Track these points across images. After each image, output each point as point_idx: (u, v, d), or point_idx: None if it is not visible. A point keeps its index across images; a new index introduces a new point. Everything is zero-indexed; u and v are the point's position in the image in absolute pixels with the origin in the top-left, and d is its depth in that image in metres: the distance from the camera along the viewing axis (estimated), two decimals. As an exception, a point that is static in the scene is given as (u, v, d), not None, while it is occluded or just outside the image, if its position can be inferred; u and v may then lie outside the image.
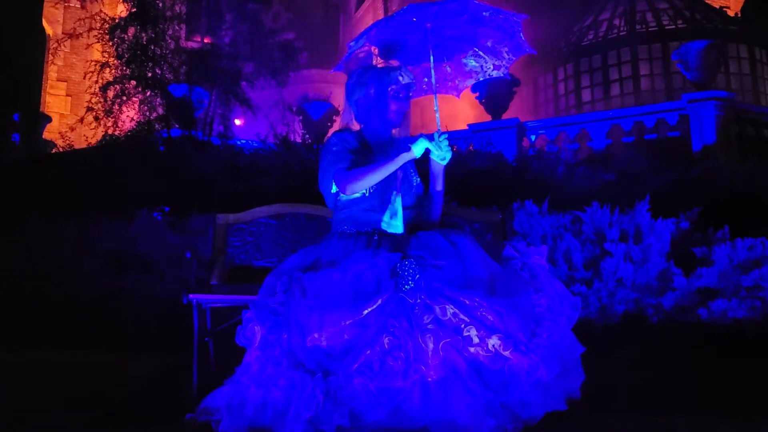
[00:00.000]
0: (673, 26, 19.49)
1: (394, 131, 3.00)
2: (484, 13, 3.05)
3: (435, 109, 2.96)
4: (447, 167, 2.96)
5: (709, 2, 21.49)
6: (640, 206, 6.05)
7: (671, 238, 5.90)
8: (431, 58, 2.99)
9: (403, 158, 2.79)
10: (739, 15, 20.56)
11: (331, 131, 14.34)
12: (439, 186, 2.99)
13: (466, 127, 13.86)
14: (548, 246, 5.98)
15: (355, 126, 3.07)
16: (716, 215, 6.20)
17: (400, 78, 2.93)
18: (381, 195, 2.89)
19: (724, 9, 20.89)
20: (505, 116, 13.94)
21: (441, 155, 2.85)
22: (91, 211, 7.11)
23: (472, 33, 3.16)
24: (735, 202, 6.81)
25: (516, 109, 15.05)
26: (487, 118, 14.05)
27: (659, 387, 3.82)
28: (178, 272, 5.99)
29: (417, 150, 2.80)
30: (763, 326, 5.30)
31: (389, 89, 2.92)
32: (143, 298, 5.89)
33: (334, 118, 14.74)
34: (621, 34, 19.89)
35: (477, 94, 14.19)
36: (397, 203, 2.89)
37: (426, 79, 3.27)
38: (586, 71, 20.10)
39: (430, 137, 2.84)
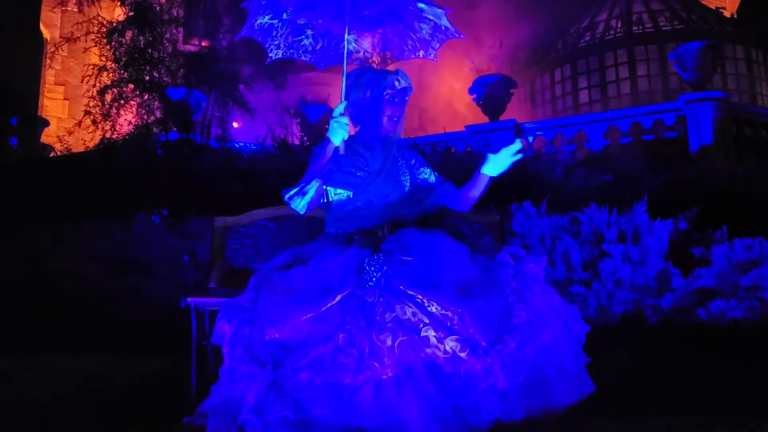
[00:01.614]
0: (670, 27, 19.52)
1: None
2: (410, 7, 3.05)
3: (343, 79, 2.91)
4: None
5: (705, 3, 21.53)
6: (638, 207, 6.05)
7: (669, 239, 5.91)
8: (346, 33, 2.95)
9: (330, 149, 2.80)
10: (735, 16, 20.60)
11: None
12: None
13: (464, 129, 13.87)
14: (547, 247, 5.99)
15: (351, 128, 3.06)
16: (714, 216, 6.20)
17: (396, 83, 2.94)
18: (364, 195, 2.90)
19: (720, 10, 20.97)
20: (502, 118, 13.94)
21: (334, 134, 2.79)
22: (89, 215, 7.10)
23: (393, 15, 3.12)
24: (733, 203, 6.81)
25: (513, 111, 15.06)
26: (485, 119, 14.06)
27: (659, 388, 3.82)
28: (177, 275, 5.98)
29: (334, 137, 2.78)
30: (761, 326, 5.30)
31: (385, 93, 2.92)
32: (142, 300, 5.89)
33: (331, 120, 14.71)
34: (618, 35, 19.92)
35: (474, 96, 14.20)
36: (312, 186, 2.84)
37: (320, 45, 3.23)
38: (583, 73, 20.13)
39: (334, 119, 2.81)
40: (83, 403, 3.54)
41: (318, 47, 3.20)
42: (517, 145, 2.79)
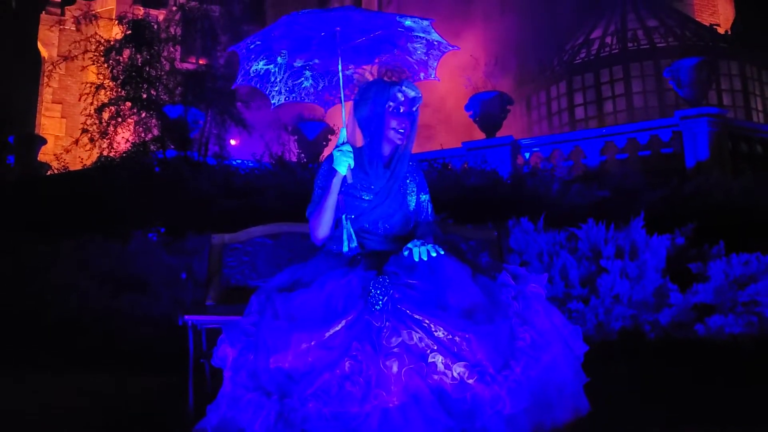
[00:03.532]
0: (665, 44, 19.66)
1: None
2: (399, 29, 2.98)
3: (342, 117, 2.86)
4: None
5: (699, 20, 21.71)
6: (635, 222, 6.07)
7: (667, 254, 5.91)
8: (339, 63, 2.91)
9: (336, 181, 2.79)
10: (729, 32, 20.75)
11: (325, 151, 14.41)
12: None
13: (461, 145, 13.92)
14: (545, 263, 5.99)
15: (360, 143, 3.02)
16: (711, 231, 6.21)
17: (399, 94, 2.84)
18: (368, 217, 2.87)
19: (715, 26, 21.11)
20: (499, 134, 14.00)
21: (339, 165, 2.78)
22: (86, 233, 7.10)
23: (380, 47, 3.08)
24: (729, 218, 6.83)
25: (510, 127, 15.14)
26: (482, 135, 14.12)
27: (658, 404, 3.82)
28: (174, 292, 5.97)
29: (339, 167, 2.77)
30: (760, 341, 5.30)
31: (387, 105, 2.85)
32: (139, 318, 5.87)
33: (329, 137, 14.80)
34: (613, 52, 20.06)
35: (470, 112, 14.26)
36: (348, 226, 2.82)
37: (321, 85, 3.20)
38: (579, 89, 20.25)
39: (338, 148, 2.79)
40: (78, 420, 3.52)
41: (320, 88, 3.17)
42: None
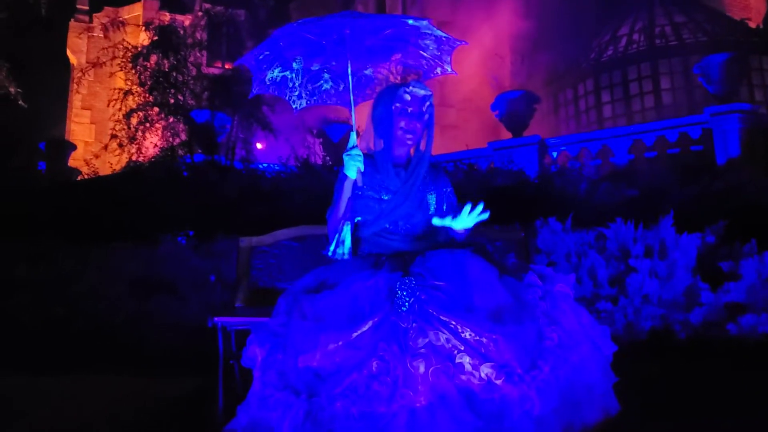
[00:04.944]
0: (693, 40, 19.41)
1: (412, 150, 2.98)
2: (406, 27, 3.01)
3: (351, 120, 2.90)
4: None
5: (729, 15, 21.38)
6: (665, 221, 6.00)
7: (697, 253, 5.84)
8: (349, 67, 2.93)
9: (347, 185, 2.83)
10: (761, 26, 20.41)
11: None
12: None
13: (486, 146, 13.86)
14: (573, 263, 5.95)
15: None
16: (742, 228, 6.12)
17: (406, 95, 2.87)
18: (389, 216, 2.88)
19: (746, 20, 20.77)
20: (525, 133, 13.92)
21: (348, 169, 2.82)
22: (116, 237, 7.19)
23: (393, 44, 3.10)
24: (762, 215, 6.71)
25: (536, 126, 15.05)
26: (508, 135, 14.05)
27: (689, 404, 3.77)
28: (203, 295, 6.03)
29: (348, 171, 2.80)
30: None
31: (394, 107, 2.89)
32: (168, 321, 5.93)
33: (354, 139, 14.83)
34: (641, 48, 19.86)
35: (496, 112, 14.19)
36: (345, 232, 2.86)
37: (342, 86, 3.21)
38: (606, 87, 20.08)
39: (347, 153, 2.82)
40: (111, 424, 3.56)
41: (341, 89, 3.20)
42: (484, 215, 2.75)
